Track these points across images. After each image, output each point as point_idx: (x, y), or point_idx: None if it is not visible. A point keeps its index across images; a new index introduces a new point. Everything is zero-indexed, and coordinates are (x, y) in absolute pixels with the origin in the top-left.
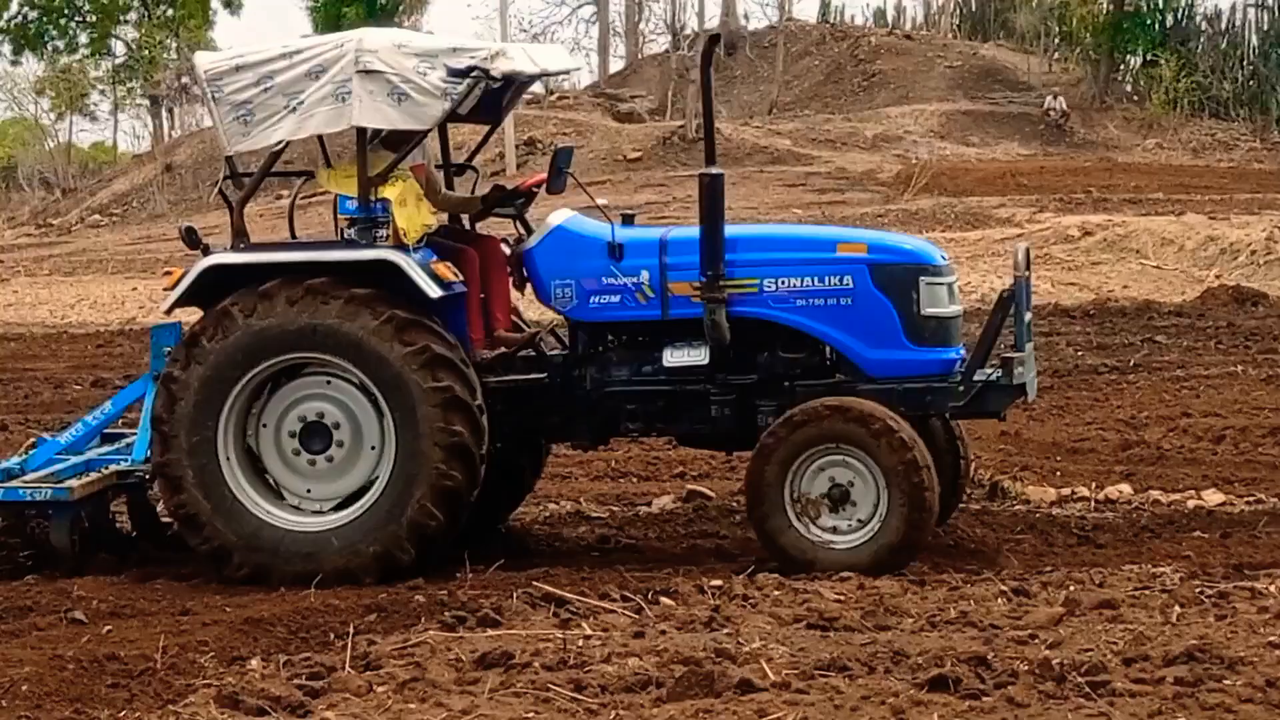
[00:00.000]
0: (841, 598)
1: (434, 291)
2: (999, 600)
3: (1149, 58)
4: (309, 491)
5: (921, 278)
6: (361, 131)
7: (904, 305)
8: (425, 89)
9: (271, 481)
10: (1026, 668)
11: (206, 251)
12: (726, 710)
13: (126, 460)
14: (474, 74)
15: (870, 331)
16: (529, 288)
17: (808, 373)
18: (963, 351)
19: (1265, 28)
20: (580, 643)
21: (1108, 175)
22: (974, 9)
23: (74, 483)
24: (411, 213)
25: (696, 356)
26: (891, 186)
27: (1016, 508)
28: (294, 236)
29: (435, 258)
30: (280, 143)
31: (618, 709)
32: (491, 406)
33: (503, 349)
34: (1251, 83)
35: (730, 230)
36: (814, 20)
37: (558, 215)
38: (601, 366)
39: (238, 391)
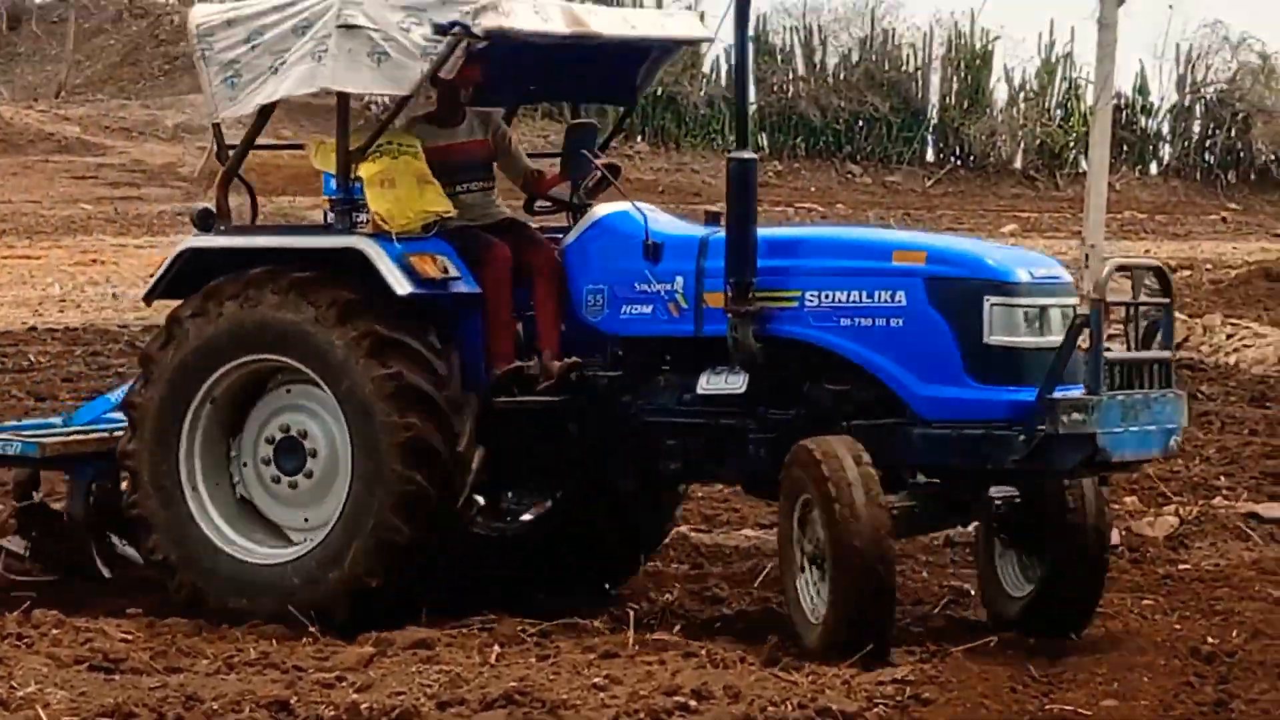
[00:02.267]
0: (129, 637)
1: (402, 288)
2: (304, 641)
3: None
4: (306, 520)
5: (987, 297)
6: (343, 96)
7: (964, 331)
8: (406, 48)
9: (279, 528)
10: (333, 713)
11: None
12: None
13: None
14: (455, 30)
15: (923, 362)
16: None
17: (862, 410)
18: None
19: None
20: None
21: None
22: None
23: (47, 439)
24: (402, 195)
25: (734, 384)
26: (195, 182)
27: None
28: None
29: (424, 250)
30: (258, 109)
31: None
32: (507, 433)
33: (542, 375)
34: None
35: (766, 231)
36: None
37: (606, 207)
38: (634, 391)
39: (194, 414)
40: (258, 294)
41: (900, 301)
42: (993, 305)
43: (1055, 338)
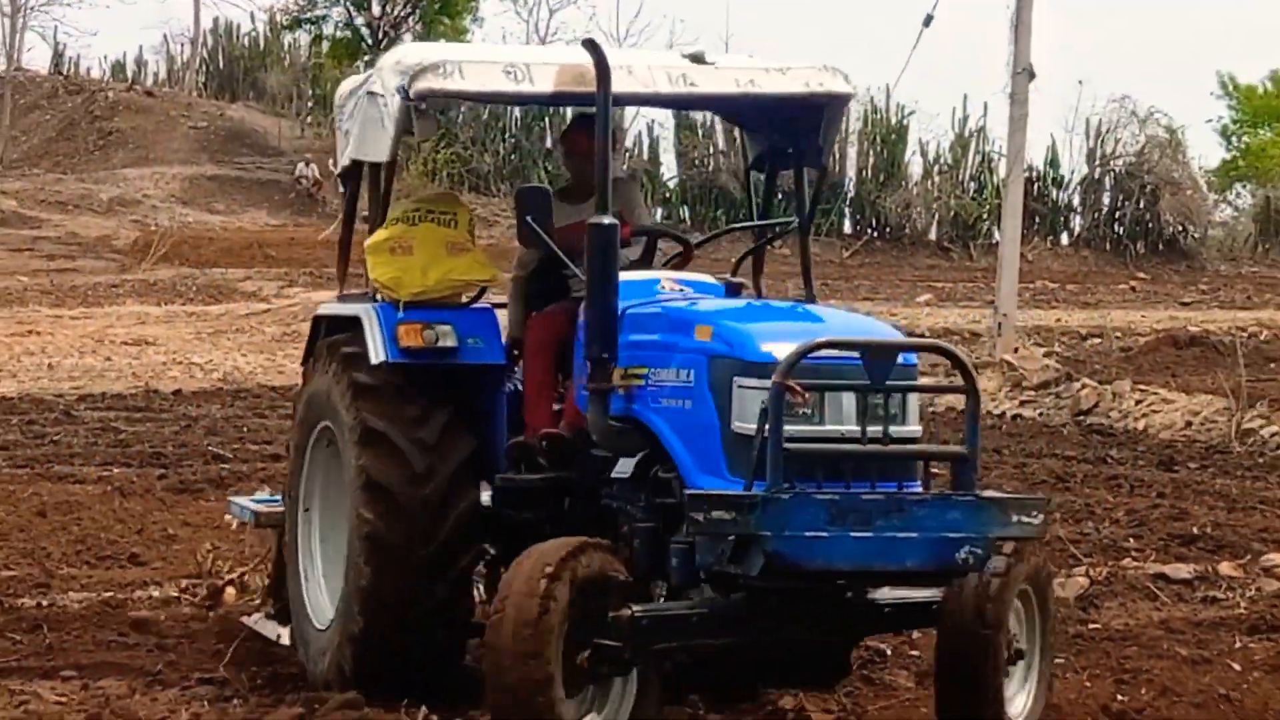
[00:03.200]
0: (63, 699)
1: (377, 356)
2: (235, 703)
3: (442, 142)
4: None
5: (736, 379)
6: (375, 166)
7: (724, 416)
8: (390, 113)
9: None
10: None
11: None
12: None
13: None
14: (398, 92)
15: (697, 449)
16: None
17: None
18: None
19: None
20: None
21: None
22: (221, 67)
23: (263, 508)
24: (419, 262)
25: (623, 469)
26: (129, 255)
27: None
28: None
29: (421, 319)
30: (337, 178)
31: None
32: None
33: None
34: (513, 156)
35: (640, 304)
36: (46, 71)
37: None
38: (593, 473)
39: (307, 476)
40: (324, 362)
41: (689, 380)
42: (740, 387)
43: (831, 427)
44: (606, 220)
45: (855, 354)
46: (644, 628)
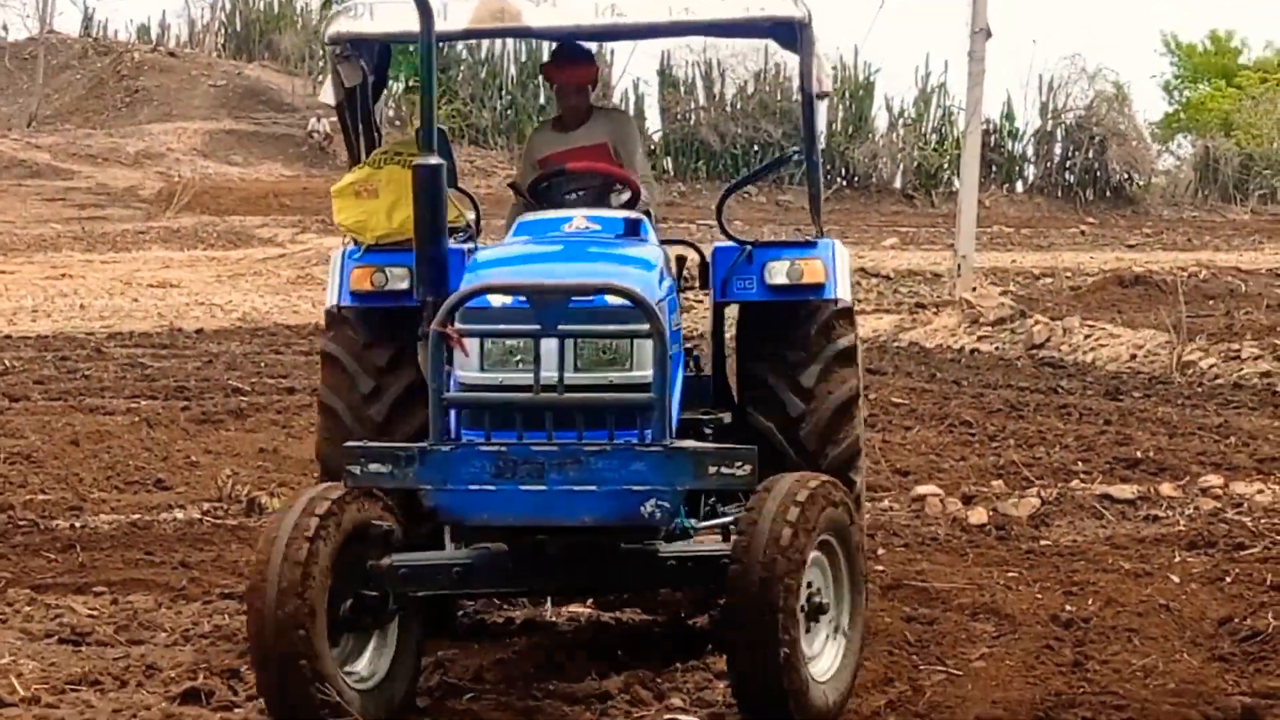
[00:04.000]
0: (95, 613)
1: (330, 298)
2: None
3: (410, 84)
4: None
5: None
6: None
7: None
8: (329, 58)
9: None
10: None
11: None
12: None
13: None
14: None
15: (435, 402)
16: None
17: None
18: None
19: (523, 58)
20: None
21: None
22: (239, 29)
23: None
24: (385, 205)
25: None
26: (154, 204)
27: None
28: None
29: (379, 262)
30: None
31: None
32: None
33: None
34: (510, 112)
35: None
36: (76, 33)
37: None
38: None
39: None
40: None
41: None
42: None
43: (517, 375)
44: (433, 161)
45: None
46: (402, 577)
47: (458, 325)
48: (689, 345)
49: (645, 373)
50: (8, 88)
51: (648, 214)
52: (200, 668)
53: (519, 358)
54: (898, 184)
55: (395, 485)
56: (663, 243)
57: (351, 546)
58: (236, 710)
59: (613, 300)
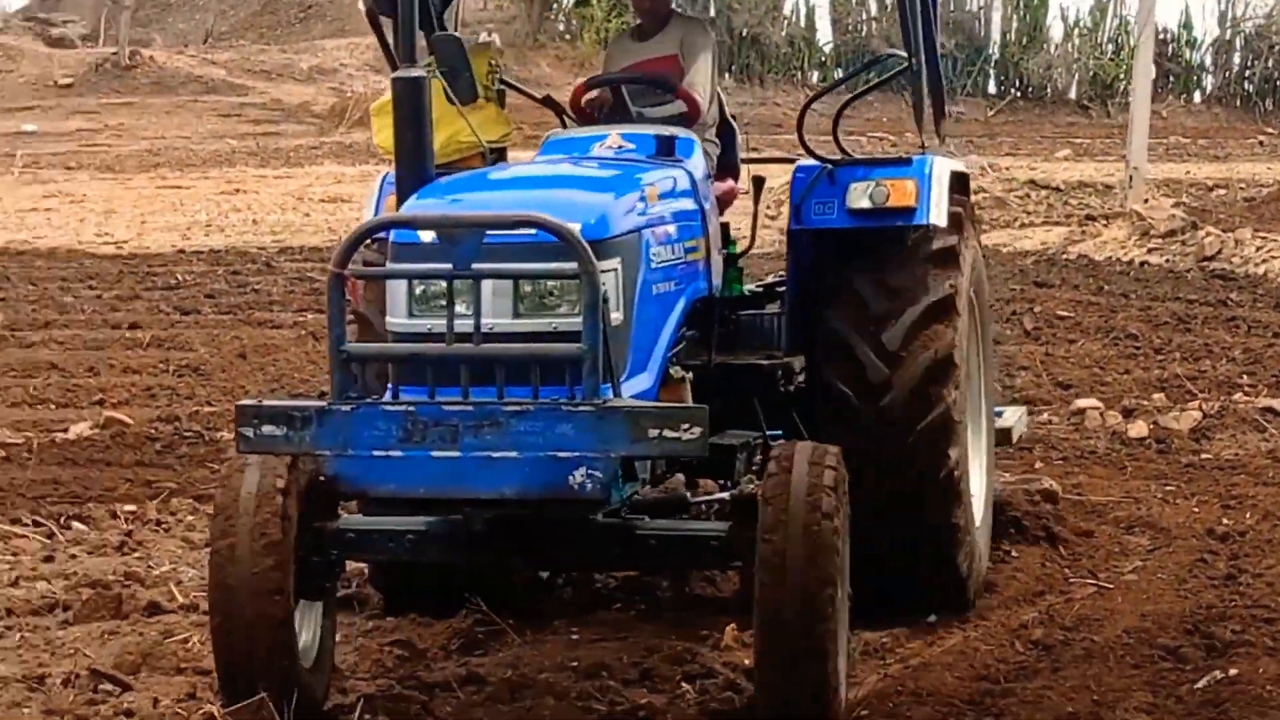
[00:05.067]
0: None
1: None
2: None
3: None
4: None
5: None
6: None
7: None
8: None
9: None
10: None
11: None
12: (133, 631)
13: None
14: None
15: None
16: None
17: None
18: None
19: None
20: None
21: None
22: None
23: None
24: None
25: None
26: (327, 119)
27: None
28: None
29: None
30: None
31: (22, 631)
32: None
33: None
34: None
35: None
36: None
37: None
38: None
39: None
40: None
41: None
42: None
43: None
44: (415, 73)
45: (532, 233)
46: (349, 541)
47: (389, 263)
48: (753, 280)
49: (574, 320)
50: (184, 4)
51: (729, 128)
52: (354, 575)
53: (441, 302)
54: (1072, 94)
55: (291, 450)
56: (744, 161)
57: (306, 506)
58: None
59: (540, 236)
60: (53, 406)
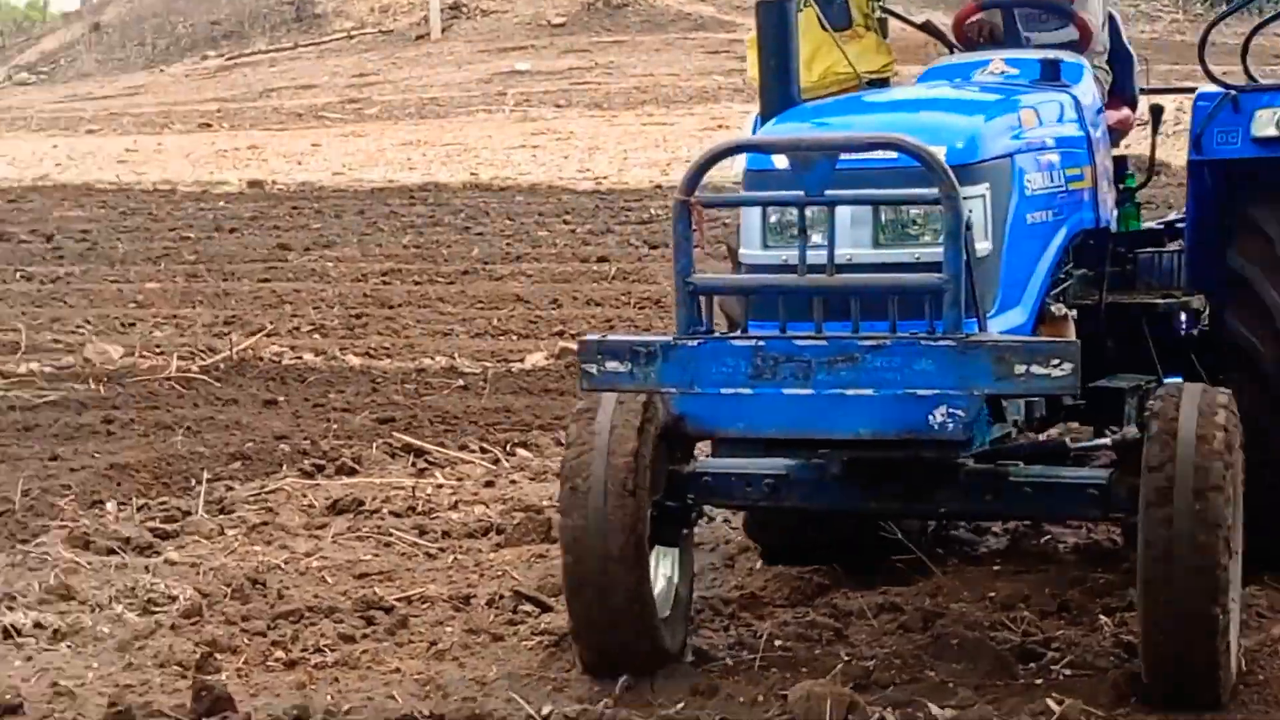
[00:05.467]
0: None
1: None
2: None
3: None
4: None
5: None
6: None
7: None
8: None
9: None
10: None
11: None
12: (559, 555)
13: None
14: None
15: None
16: None
17: None
18: None
19: None
20: (430, 491)
21: None
22: None
23: None
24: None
25: None
26: None
27: None
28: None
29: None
30: None
31: (455, 553)
32: None
33: None
34: None
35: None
36: None
37: None
38: None
39: None
40: None
41: None
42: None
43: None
44: None
45: (894, 156)
46: (705, 486)
47: (743, 190)
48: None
49: (939, 250)
50: None
51: (1126, 54)
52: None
53: (795, 232)
54: None
55: (635, 387)
56: (1142, 91)
57: (659, 448)
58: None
59: (901, 160)
60: (514, 338)
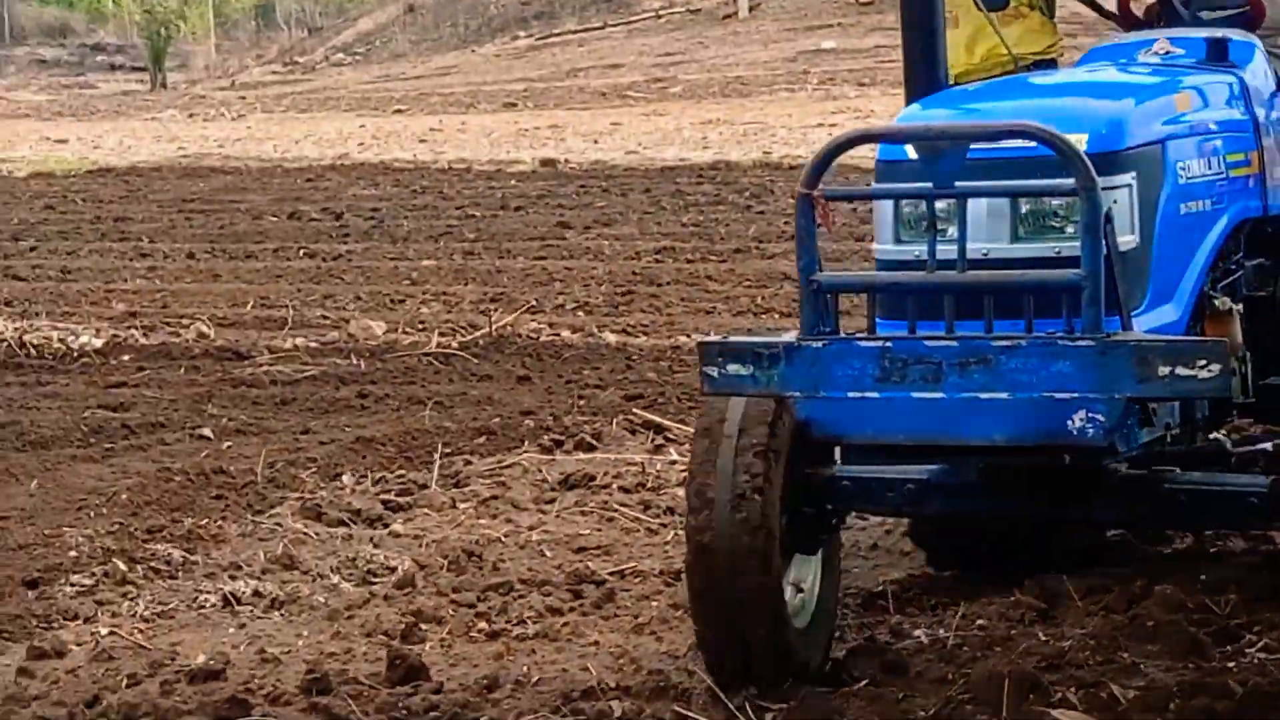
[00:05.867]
0: None
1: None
2: None
3: None
4: None
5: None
6: None
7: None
8: None
9: None
10: None
11: None
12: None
13: None
14: None
15: None
16: None
17: None
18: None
19: None
20: (661, 467)
21: None
22: None
23: None
24: (961, 37)
25: None
26: None
27: None
28: None
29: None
30: None
31: (676, 529)
32: None
33: None
34: None
35: None
36: None
37: None
38: None
39: None
40: None
41: None
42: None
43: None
44: None
45: (1032, 145)
46: (844, 491)
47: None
48: None
49: (1073, 243)
50: None
51: None
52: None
53: (925, 226)
54: None
55: (759, 392)
56: None
57: (792, 452)
58: None
59: (1038, 149)
60: (776, 316)
